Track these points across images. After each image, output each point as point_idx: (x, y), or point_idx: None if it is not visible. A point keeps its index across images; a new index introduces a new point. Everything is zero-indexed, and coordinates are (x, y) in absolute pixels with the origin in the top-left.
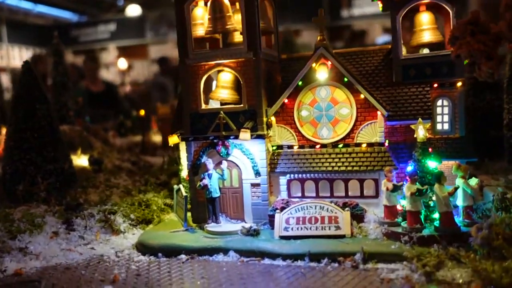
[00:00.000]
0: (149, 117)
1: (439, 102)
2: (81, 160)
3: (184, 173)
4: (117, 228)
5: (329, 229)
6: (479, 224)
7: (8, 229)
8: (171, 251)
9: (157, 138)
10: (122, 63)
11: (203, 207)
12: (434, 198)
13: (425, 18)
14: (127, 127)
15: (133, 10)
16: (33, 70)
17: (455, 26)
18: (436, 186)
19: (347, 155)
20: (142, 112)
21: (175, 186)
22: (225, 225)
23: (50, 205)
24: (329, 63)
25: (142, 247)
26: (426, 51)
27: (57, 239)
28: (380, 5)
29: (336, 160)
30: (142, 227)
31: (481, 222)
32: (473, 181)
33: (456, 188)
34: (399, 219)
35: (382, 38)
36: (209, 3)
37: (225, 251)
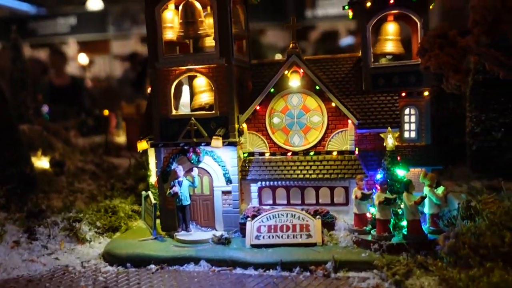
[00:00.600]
0: (113, 116)
1: (407, 111)
2: (41, 162)
3: (153, 179)
4: (82, 237)
5: (301, 237)
6: (446, 233)
7: None
8: (140, 261)
9: (121, 138)
10: (83, 58)
11: (173, 215)
12: (402, 206)
13: (391, 29)
14: (89, 126)
15: (95, 4)
16: None
17: (424, 38)
18: (405, 194)
19: (318, 163)
20: (106, 112)
21: (144, 193)
22: (195, 233)
23: (10, 212)
24: (301, 71)
25: (110, 257)
26: (385, 60)
27: (18, 249)
28: (350, 13)
29: (307, 167)
30: (109, 235)
31: (447, 230)
32: (440, 190)
33: (423, 197)
34: (369, 227)
35: (346, 40)
36: (180, 7)
37: (196, 260)
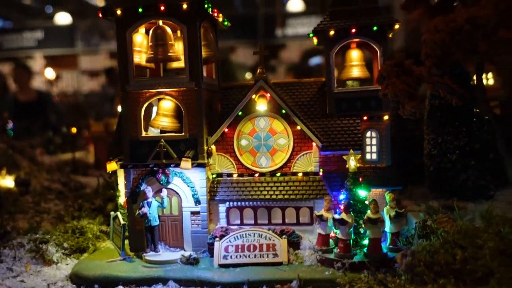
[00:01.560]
0: (81, 134)
1: (368, 134)
2: (6, 181)
3: (122, 199)
4: (49, 258)
5: (267, 256)
6: (403, 251)
7: None
8: (108, 282)
9: (89, 156)
10: (50, 73)
11: (141, 236)
12: (363, 225)
13: (354, 55)
14: (56, 144)
15: (63, 18)
16: None
17: (382, 66)
18: (369, 212)
19: (284, 184)
20: (74, 130)
21: (112, 213)
22: (164, 253)
23: None
24: (268, 95)
25: (77, 279)
26: (350, 85)
27: None
28: (315, 40)
29: (274, 188)
30: (76, 256)
31: (405, 248)
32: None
33: (400, 213)
34: (332, 245)
35: (314, 60)
36: (151, 31)
37: (164, 281)
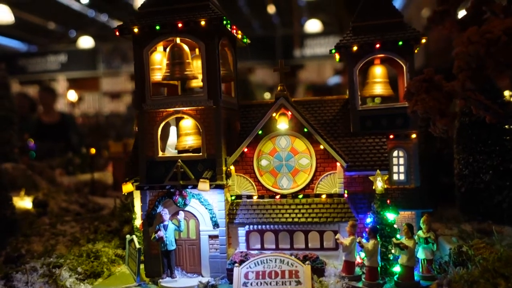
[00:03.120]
0: (100, 155)
1: (395, 153)
2: (24, 202)
3: (138, 222)
4: (62, 284)
5: (290, 284)
6: (439, 281)
7: None
8: None
9: (107, 177)
10: (72, 95)
11: (157, 260)
12: (393, 251)
13: (378, 71)
14: (75, 164)
15: (86, 42)
16: None
17: (410, 82)
18: (405, 238)
19: (307, 206)
20: (93, 150)
21: (128, 237)
22: (181, 279)
23: None
24: (289, 113)
25: None
26: (374, 102)
27: None
28: (337, 56)
29: (296, 211)
30: (90, 281)
31: (440, 277)
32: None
33: (430, 239)
34: (359, 272)
35: (333, 79)
36: (168, 49)
37: None
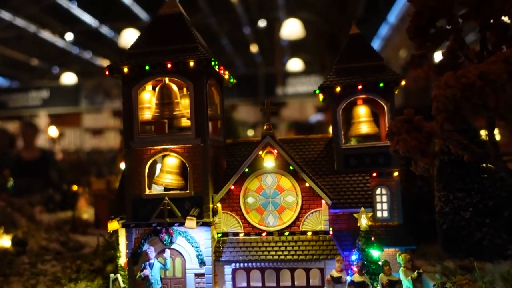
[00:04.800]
0: (82, 192)
1: (378, 191)
2: (2, 241)
3: (122, 260)
4: None
5: None
6: None
7: None
8: None
9: (87, 215)
10: (53, 131)
11: None
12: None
13: (362, 111)
14: (55, 202)
15: (69, 78)
16: None
17: (391, 122)
18: (381, 275)
19: (293, 243)
20: (75, 187)
21: (112, 275)
22: None
23: None
24: (275, 151)
25: None
26: (355, 141)
27: None
28: (321, 96)
29: (282, 248)
30: None
31: None
32: (415, 273)
33: (420, 273)
34: None
35: (315, 117)
36: (157, 89)
37: None
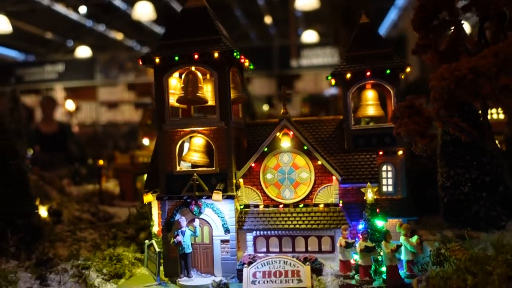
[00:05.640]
0: (106, 166)
1: (384, 168)
2: (40, 211)
3: (156, 228)
4: (91, 283)
5: (292, 282)
6: (419, 277)
7: None
8: None
9: (113, 187)
10: (70, 105)
11: (175, 262)
12: (382, 253)
13: (370, 95)
14: (81, 175)
15: (83, 52)
16: (5, 127)
17: (395, 107)
18: (383, 243)
19: (307, 214)
20: (101, 162)
21: (147, 241)
22: (196, 279)
23: (20, 260)
24: (291, 133)
25: None
26: (365, 122)
27: None
28: (333, 81)
29: (297, 218)
30: (115, 281)
31: (420, 275)
32: (414, 238)
33: (399, 246)
34: (353, 272)
35: (330, 90)
36: (183, 75)
37: None
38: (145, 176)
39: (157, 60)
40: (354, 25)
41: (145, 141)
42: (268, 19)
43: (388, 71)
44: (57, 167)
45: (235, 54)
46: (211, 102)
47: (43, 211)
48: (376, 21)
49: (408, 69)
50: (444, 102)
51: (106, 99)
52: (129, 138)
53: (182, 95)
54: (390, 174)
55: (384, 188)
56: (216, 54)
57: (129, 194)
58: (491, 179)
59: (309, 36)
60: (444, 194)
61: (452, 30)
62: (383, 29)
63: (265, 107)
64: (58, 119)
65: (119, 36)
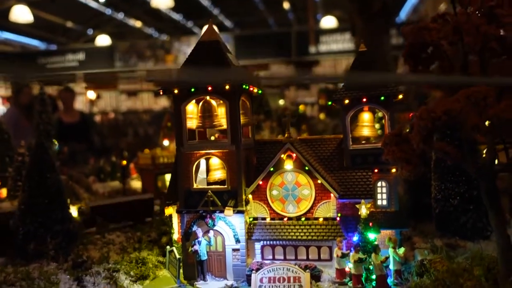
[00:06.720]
0: (129, 166)
1: (379, 184)
2: (73, 213)
3: (175, 236)
4: (121, 285)
5: (294, 287)
6: (401, 286)
7: (31, 287)
8: None
9: (136, 184)
10: (91, 94)
11: (193, 267)
12: (372, 263)
13: (366, 117)
14: (106, 172)
15: (103, 40)
16: (44, 144)
17: (385, 135)
18: (373, 255)
19: (308, 227)
20: (124, 162)
21: (168, 248)
22: (211, 282)
23: (59, 263)
24: (294, 155)
25: None
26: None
27: None
28: (335, 105)
29: (300, 230)
30: (141, 283)
31: (403, 284)
32: (401, 250)
33: (386, 258)
34: (347, 279)
35: None
36: (200, 104)
37: None
38: (166, 176)
39: (175, 91)
40: (370, 16)
41: (165, 142)
42: (286, 5)
43: (382, 98)
44: (81, 161)
45: (244, 86)
46: (224, 126)
47: (73, 211)
48: (397, 5)
49: (400, 96)
50: (423, 138)
51: (125, 87)
52: (149, 126)
53: (200, 124)
54: (384, 190)
55: (379, 202)
56: (227, 87)
57: (151, 192)
58: (478, 194)
59: (328, 21)
60: (436, 206)
61: (439, 61)
62: (403, 14)
63: (281, 102)
64: (80, 109)
65: (137, 24)
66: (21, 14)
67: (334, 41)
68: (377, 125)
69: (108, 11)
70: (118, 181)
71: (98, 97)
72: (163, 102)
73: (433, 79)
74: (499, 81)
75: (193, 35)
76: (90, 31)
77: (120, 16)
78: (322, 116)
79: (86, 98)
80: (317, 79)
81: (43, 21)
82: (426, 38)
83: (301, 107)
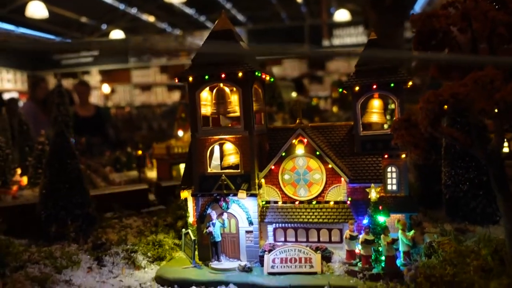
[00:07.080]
0: (145, 155)
1: (389, 169)
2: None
3: (191, 219)
4: (138, 264)
5: (305, 267)
6: (409, 266)
7: (54, 265)
8: (184, 284)
9: (151, 174)
10: (106, 88)
11: (207, 248)
12: (382, 245)
13: (375, 104)
14: (122, 162)
15: (116, 35)
16: (64, 132)
17: (395, 120)
18: (382, 236)
19: (319, 210)
20: (140, 152)
21: (183, 230)
22: (225, 263)
23: (80, 244)
24: (305, 140)
25: (161, 280)
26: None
27: (92, 273)
28: (345, 91)
29: (311, 213)
30: (158, 263)
31: (411, 264)
32: (410, 233)
33: (394, 239)
34: (357, 260)
35: None
36: (214, 91)
37: (226, 283)
38: (180, 165)
39: (190, 78)
40: (383, 10)
41: (180, 133)
42: None
43: (392, 85)
44: (96, 153)
45: (256, 73)
46: (238, 113)
47: None
48: None
49: (410, 83)
50: (430, 121)
51: (139, 81)
52: (163, 120)
53: (214, 110)
54: (394, 175)
55: (389, 187)
56: (240, 74)
57: (166, 181)
58: (487, 179)
59: (342, 15)
60: (446, 191)
61: (447, 49)
62: (418, 6)
63: (294, 94)
64: (95, 103)
65: (151, 18)
66: (37, 10)
67: (348, 35)
68: (388, 117)
69: (121, 6)
70: (136, 171)
71: (113, 91)
72: (176, 96)
73: (446, 57)
74: (508, 60)
75: (206, 30)
76: (104, 26)
77: (133, 11)
78: (335, 109)
79: (101, 92)
80: (331, 52)
81: (58, 16)
82: (435, 25)
83: (314, 100)
